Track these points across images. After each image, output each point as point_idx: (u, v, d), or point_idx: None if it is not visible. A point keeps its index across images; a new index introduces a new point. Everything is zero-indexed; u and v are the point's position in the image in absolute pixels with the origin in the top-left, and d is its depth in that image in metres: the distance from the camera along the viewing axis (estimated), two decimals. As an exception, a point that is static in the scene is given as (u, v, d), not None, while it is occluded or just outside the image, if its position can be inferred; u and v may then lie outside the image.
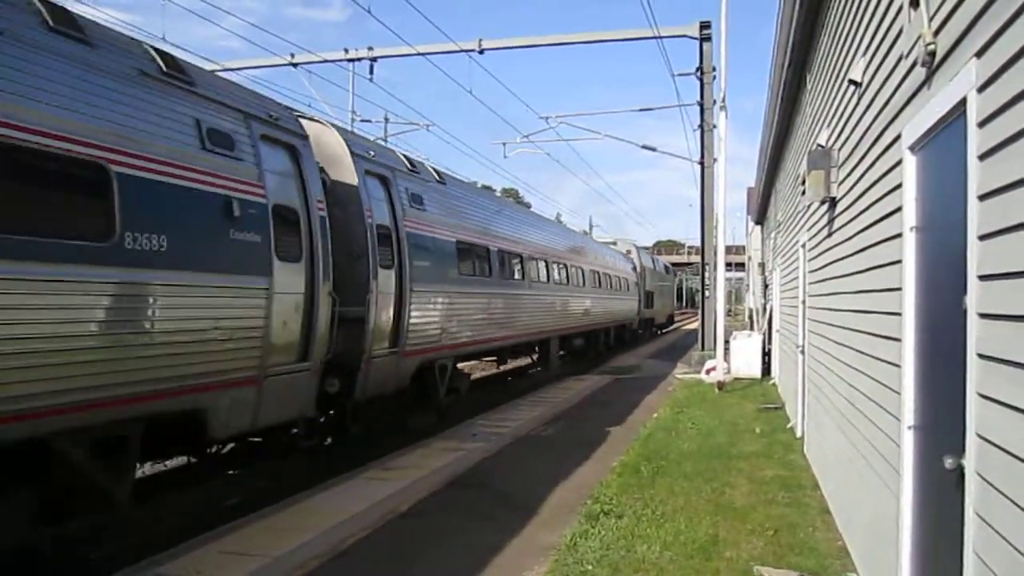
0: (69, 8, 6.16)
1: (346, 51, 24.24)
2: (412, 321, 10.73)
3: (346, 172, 9.83)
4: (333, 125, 10.54)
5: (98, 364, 5.70)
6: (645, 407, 14.31)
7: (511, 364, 20.74)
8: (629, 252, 33.79)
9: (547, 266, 18.49)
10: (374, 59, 23.98)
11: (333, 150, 9.85)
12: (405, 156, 12.50)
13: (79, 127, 5.60)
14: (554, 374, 20.17)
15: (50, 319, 5.30)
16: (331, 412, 9.76)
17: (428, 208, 11.84)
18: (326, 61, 24.40)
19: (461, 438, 10.95)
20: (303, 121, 9.28)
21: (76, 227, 5.59)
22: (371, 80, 24.38)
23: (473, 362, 16.86)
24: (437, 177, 13.15)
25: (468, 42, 22.85)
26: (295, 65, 23.87)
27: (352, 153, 10.00)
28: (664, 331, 44.68)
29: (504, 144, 32.06)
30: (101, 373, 5.71)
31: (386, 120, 31.92)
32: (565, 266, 20.31)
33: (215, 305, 6.91)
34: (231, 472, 9.47)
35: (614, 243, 34.00)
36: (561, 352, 20.81)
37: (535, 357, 20.30)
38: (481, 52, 23.05)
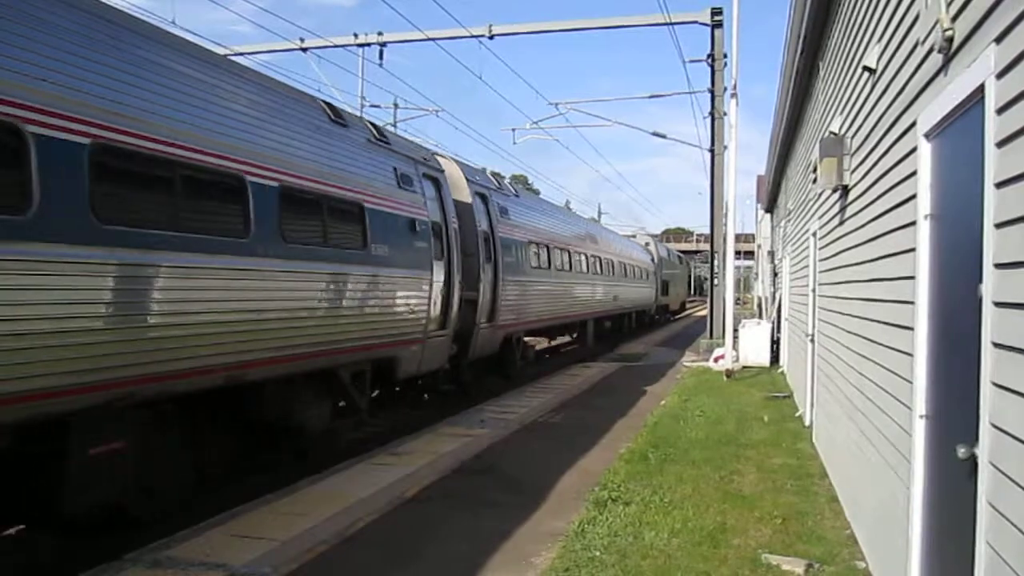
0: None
1: (355, 36, 24.15)
2: (503, 303, 14.23)
3: (463, 193, 13.23)
4: (453, 159, 14.15)
5: (357, 326, 9.07)
6: (653, 395, 14.31)
7: (556, 341, 23.31)
8: (648, 244, 37.29)
9: (587, 259, 21.85)
10: (383, 44, 23.86)
11: (455, 178, 13.11)
12: (494, 175, 16.09)
13: (352, 179, 9.08)
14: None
15: (338, 297, 8.70)
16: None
17: (511, 217, 15.42)
18: (335, 46, 24.32)
19: (468, 424, 10.98)
20: (439, 158, 12.95)
21: (354, 242, 9.02)
22: (381, 65, 24.26)
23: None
24: (514, 192, 17.01)
25: (478, 27, 22.73)
26: (304, 50, 23.82)
27: (467, 179, 13.57)
28: (677, 317, 47.08)
29: (513, 130, 31.95)
30: (359, 330, 9.11)
31: (395, 106, 31.85)
32: (599, 259, 23.51)
33: (407, 289, 10.32)
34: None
35: (634, 236, 37.66)
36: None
37: (575, 335, 23.57)
38: (491, 37, 22.92)
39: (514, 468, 8.45)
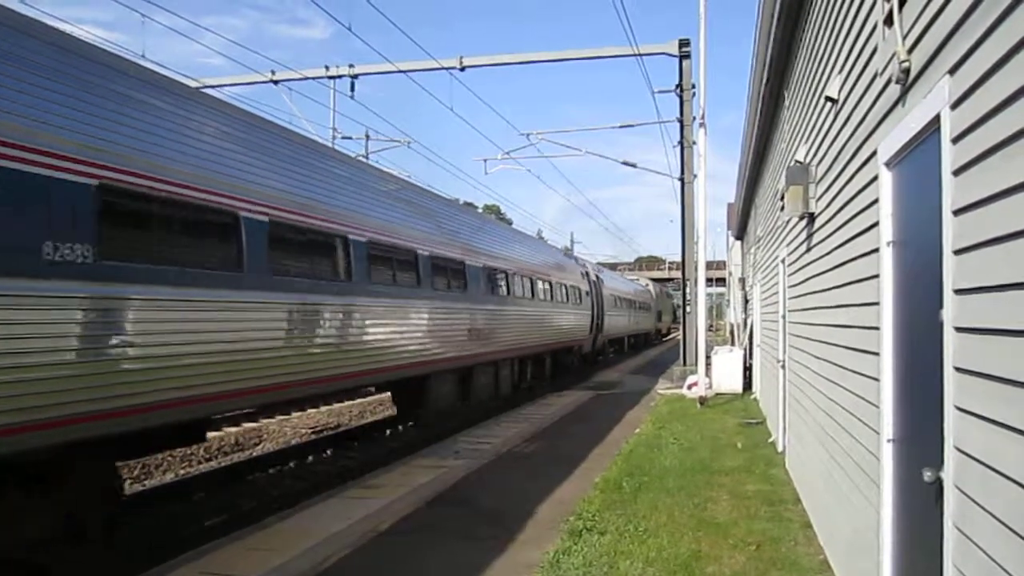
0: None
1: (327, 68, 24.22)
2: (603, 324, 28.70)
3: (592, 272, 28.23)
4: (582, 258, 32.92)
5: (577, 330, 24.59)
6: (627, 423, 14.31)
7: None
8: (648, 285, 51.11)
9: (625, 301, 36.99)
10: (355, 76, 23.95)
11: (585, 267, 27.67)
12: (593, 260, 41.34)
13: (574, 278, 24.59)
14: (545, 390, 20.55)
15: (574, 319, 24.14)
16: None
17: (604, 282, 30.45)
18: (306, 78, 24.33)
19: (442, 456, 10.91)
20: (582, 258, 32.22)
21: (577, 299, 24.52)
22: (352, 97, 24.32)
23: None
24: (601, 268, 34.92)
25: (449, 59, 22.88)
26: (276, 82, 23.84)
27: (591, 267, 29.73)
28: (665, 339, 61.37)
29: (485, 161, 32.08)
30: (576, 332, 24.45)
31: (367, 137, 31.82)
32: (629, 300, 38.50)
33: (584, 318, 25.37)
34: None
35: (638, 279, 52.17)
36: (612, 349, 36.73)
37: (614, 348, 37.17)
38: (462, 69, 23.06)
39: (489, 499, 8.40)
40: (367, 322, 10.17)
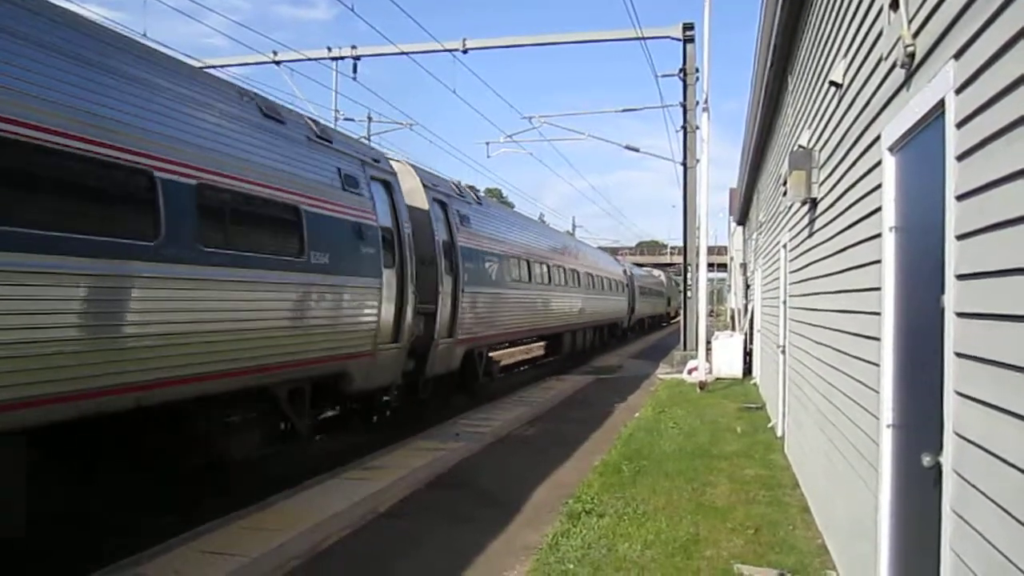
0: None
1: (329, 49, 24.10)
2: (635, 307, 38.30)
3: (628, 269, 38.95)
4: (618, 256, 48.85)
5: (614, 313, 32.10)
6: (627, 407, 14.35)
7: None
8: (660, 275, 57.62)
9: (644, 290, 43.33)
10: (357, 58, 23.83)
11: (623, 265, 39.33)
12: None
13: (611, 273, 32.02)
14: (540, 374, 20.67)
15: (612, 303, 31.82)
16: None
17: (636, 279, 39.86)
18: (309, 59, 24.23)
19: (442, 438, 10.93)
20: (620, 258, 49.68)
21: (619, 288, 33.46)
22: (355, 79, 24.22)
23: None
24: (631, 267, 42.71)
25: (452, 42, 22.75)
26: (278, 63, 23.73)
27: (627, 265, 42.39)
28: (674, 320, 63.98)
29: (487, 144, 32.00)
30: (613, 313, 32.02)
31: (369, 119, 31.71)
32: (646, 287, 44.95)
33: (622, 302, 34.36)
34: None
35: (652, 271, 57.55)
36: (637, 326, 43.21)
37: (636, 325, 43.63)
38: (465, 51, 22.95)
39: (489, 481, 8.43)
40: (547, 303, 19.54)
